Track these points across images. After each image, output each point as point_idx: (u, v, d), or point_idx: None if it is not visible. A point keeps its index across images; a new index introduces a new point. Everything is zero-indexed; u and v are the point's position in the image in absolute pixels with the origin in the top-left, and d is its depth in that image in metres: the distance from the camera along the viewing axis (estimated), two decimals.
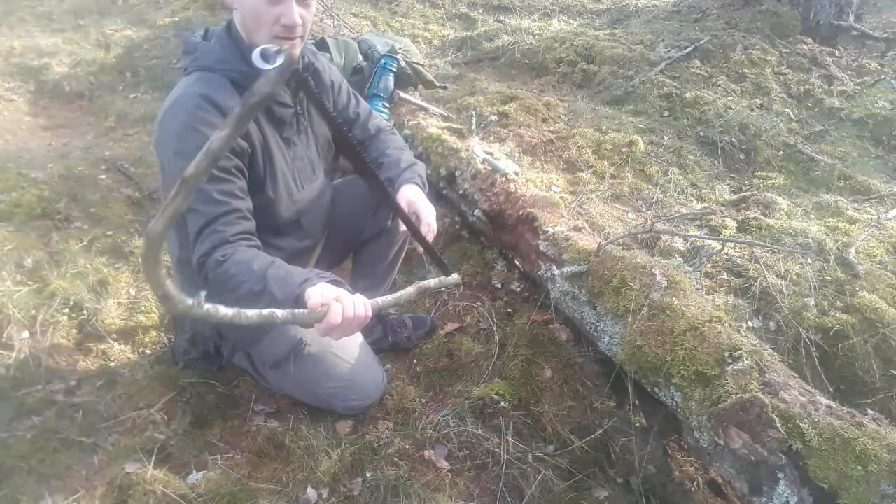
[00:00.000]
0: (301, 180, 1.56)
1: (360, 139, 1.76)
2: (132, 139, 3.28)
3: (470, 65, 4.04)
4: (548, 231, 1.94)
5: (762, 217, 2.26)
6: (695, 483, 1.68)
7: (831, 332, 1.74)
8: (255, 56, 1.31)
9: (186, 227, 1.37)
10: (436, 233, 1.66)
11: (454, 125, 2.72)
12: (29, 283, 2.01)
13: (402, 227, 1.90)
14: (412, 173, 1.69)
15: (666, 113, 3.27)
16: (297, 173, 1.55)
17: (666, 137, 2.96)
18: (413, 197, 1.63)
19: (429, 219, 1.62)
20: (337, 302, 1.15)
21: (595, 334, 1.72)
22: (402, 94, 2.94)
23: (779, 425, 1.23)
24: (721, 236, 2.09)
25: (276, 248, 1.55)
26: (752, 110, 3.32)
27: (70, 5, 5.37)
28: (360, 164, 1.54)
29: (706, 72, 3.68)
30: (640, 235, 1.95)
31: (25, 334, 1.85)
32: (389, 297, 1.38)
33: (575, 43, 3.94)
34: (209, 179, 1.31)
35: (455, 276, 1.70)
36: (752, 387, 1.31)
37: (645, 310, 1.57)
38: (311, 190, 1.60)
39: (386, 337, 1.98)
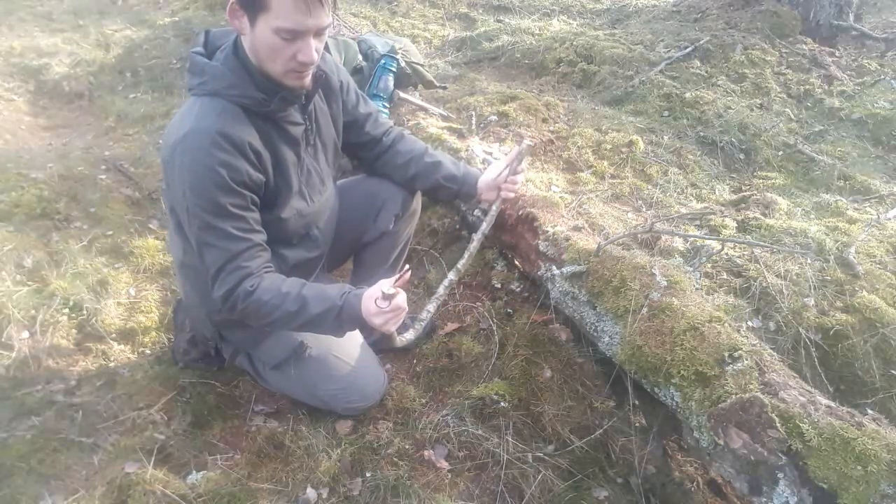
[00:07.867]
0: (311, 195, 1.55)
1: (374, 136, 1.77)
2: (132, 139, 3.28)
3: (470, 65, 4.03)
4: (548, 231, 1.93)
5: (762, 217, 2.26)
6: (695, 483, 1.68)
7: (831, 332, 1.74)
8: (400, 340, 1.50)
9: (203, 259, 1.37)
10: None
11: (454, 125, 2.72)
12: (29, 283, 2.01)
13: (404, 231, 1.91)
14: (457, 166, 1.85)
15: (666, 113, 3.26)
16: (307, 188, 1.54)
17: (666, 137, 2.96)
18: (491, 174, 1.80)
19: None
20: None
21: (595, 334, 1.72)
22: (402, 94, 2.94)
23: (779, 425, 1.23)
24: (721, 236, 2.09)
25: (285, 258, 1.55)
26: (752, 110, 3.31)
27: (70, 5, 5.36)
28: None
29: (706, 72, 3.68)
30: (640, 235, 1.94)
31: (25, 334, 1.85)
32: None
33: (575, 43, 3.93)
34: (226, 216, 1.33)
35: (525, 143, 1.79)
36: (751, 387, 1.31)
37: (645, 310, 1.56)
38: (319, 202, 1.59)
39: None
